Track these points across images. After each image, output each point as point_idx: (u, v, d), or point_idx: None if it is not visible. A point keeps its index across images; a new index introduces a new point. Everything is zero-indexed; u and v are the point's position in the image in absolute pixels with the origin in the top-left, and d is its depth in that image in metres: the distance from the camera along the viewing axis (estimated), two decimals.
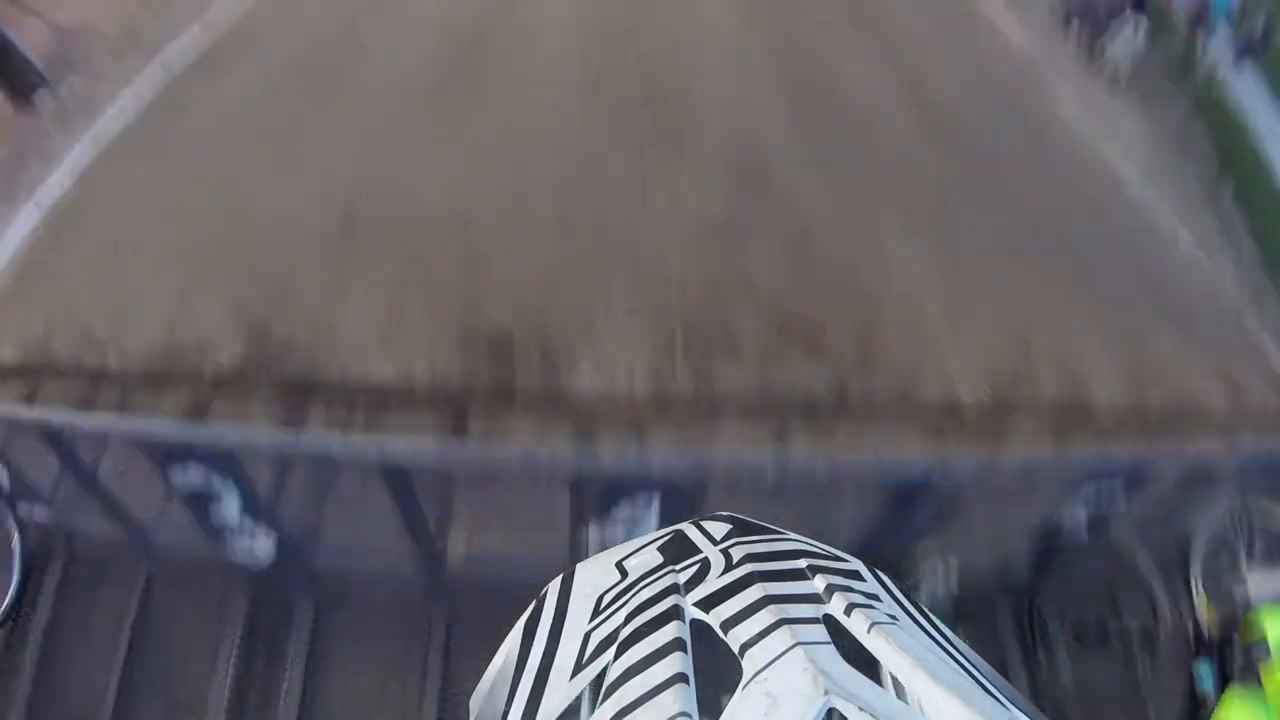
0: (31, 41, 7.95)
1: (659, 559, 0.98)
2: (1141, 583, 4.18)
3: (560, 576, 1.00)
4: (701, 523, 1.04)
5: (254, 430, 4.49)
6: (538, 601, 0.98)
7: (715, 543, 0.98)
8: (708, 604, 0.85)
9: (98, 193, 6.66)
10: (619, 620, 0.87)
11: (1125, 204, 7.85)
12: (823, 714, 0.66)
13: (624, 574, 0.97)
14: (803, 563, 0.94)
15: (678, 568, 0.94)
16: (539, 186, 6.04)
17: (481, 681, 0.91)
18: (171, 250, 5.88)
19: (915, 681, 0.72)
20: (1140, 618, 4.19)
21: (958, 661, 0.86)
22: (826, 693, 0.66)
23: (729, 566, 0.92)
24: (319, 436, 4.56)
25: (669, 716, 0.67)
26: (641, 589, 0.91)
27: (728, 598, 0.86)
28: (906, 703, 0.72)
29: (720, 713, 0.69)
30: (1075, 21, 10.26)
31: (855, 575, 0.96)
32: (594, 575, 0.99)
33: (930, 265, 5.96)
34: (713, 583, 0.89)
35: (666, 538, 1.03)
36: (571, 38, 7.58)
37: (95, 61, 7.97)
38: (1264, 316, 7.09)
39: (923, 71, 8.32)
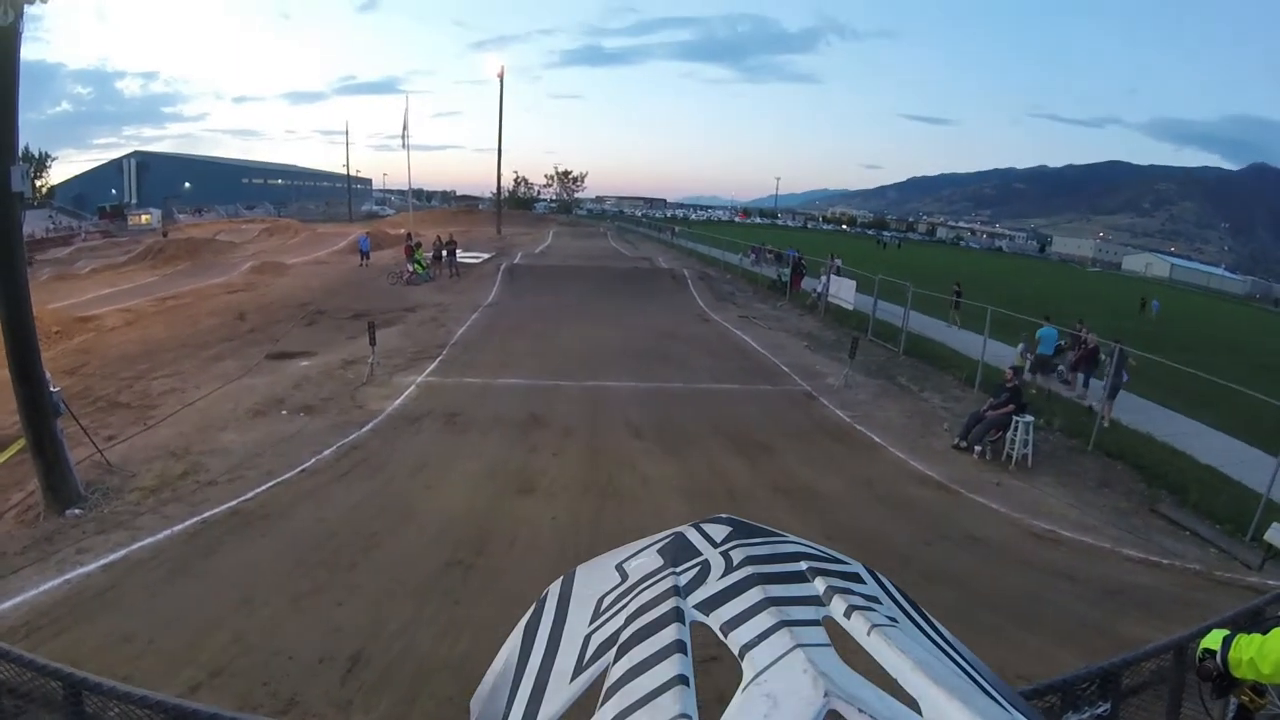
0: (79, 465, 9.04)
1: (659, 561, 0.98)
2: None
3: (560, 579, 1.00)
4: (702, 525, 1.05)
5: None
6: (538, 603, 0.99)
7: (715, 545, 0.99)
8: (708, 606, 0.86)
9: (122, 587, 7.14)
10: (619, 622, 0.87)
11: (1066, 548, 9.18)
12: (822, 715, 0.66)
13: (624, 576, 0.98)
14: (803, 565, 0.96)
15: (678, 570, 0.94)
16: None
17: (482, 683, 0.89)
18: (184, 650, 6.18)
19: (915, 683, 0.72)
20: None
21: (957, 663, 0.86)
22: (826, 694, 0.66)
23: (729, 569, 0.93)
24: None
25: (670, 718, 0.66)
26: (642, 591, 0.92)
27: (728, 600, 0.86)
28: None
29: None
30: (977, 447, 12.24)
31: (855, 578, 0.97)
32: (594, 577, 1.00)
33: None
34: (713, 585, 0.90)
35: (666, 540, 1.03)
36: (552, 534, 8.83)
37: (130, 499, 8.94)
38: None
39: (846, 518, 9.71)
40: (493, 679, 0.97)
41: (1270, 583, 8.47)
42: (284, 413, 12.74)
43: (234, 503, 9.14)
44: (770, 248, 41.79)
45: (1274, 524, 9.28)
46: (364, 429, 12.10)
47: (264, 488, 9.64)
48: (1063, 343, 17.68)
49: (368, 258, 33.35)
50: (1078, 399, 15.77)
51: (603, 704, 0.74)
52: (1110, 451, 12.58)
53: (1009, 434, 12.22)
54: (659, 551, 1.04)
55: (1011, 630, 7.17)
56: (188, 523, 8.56)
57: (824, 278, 26.63)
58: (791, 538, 1.10)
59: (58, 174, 74.77)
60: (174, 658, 6.08)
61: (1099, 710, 4.05)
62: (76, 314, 21.56)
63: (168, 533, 8.31)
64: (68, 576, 7.32)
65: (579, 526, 9.07)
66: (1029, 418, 12.27)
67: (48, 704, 3.94)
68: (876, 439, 12.99)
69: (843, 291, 24.90)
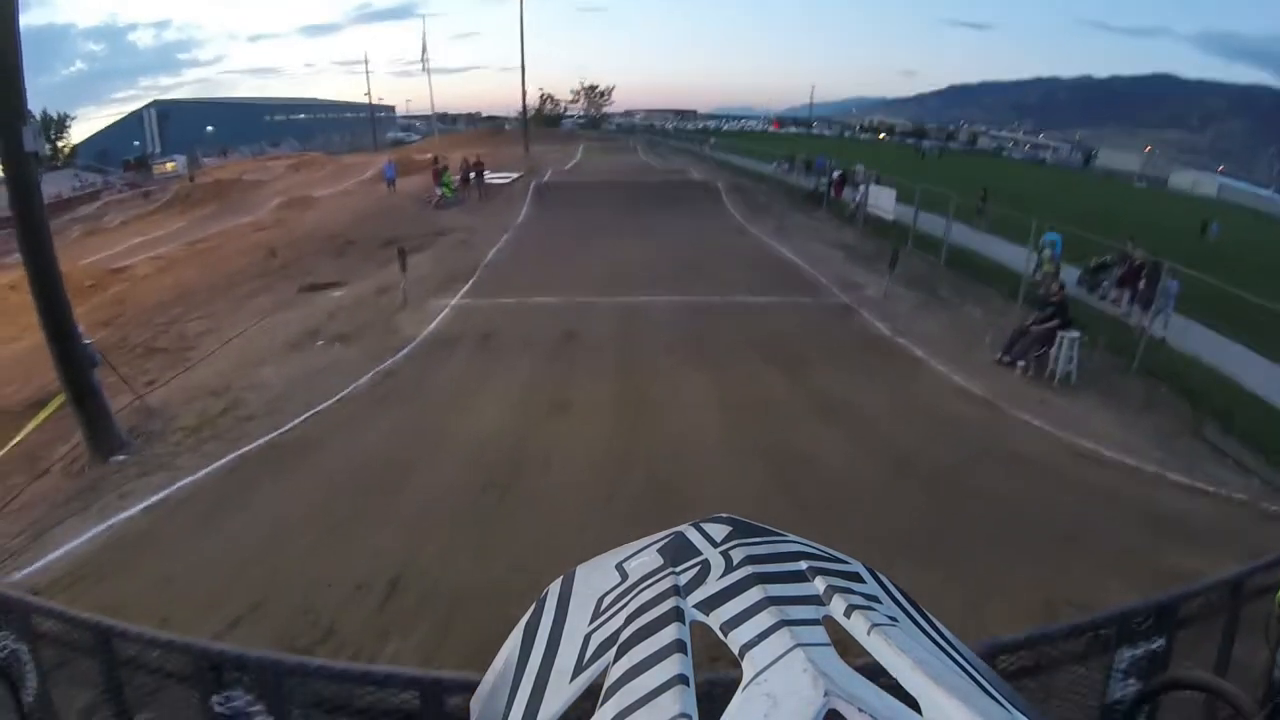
0: (121, 413, 9.12)
1: (659, 561, 0.98)
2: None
3: (560, 578, 1.00)
4: (701, 525, 1.05)
5: None
6: (538, 603, 0.98)
7: (715, 545, 0.99)
8: (708, 606, 0.85)
9: (163, 528, 7.22)
10: (619, 622, 0.87)
11: (1110, 470, 8.93)
12: (822, 715, 0.66)
13: (624, 576, 0.98)
14: (803, 564, 0.95)
15: (678, 569, 0.94)
16: (565, 559, 6.56)
17: (482, 683, 0.90)
18: (224, 586, 6.25)
19: (915, 683, 0.72)
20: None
21: (958, 663, 0.86)
22: (826, 694, 0.66)
23: (729, 568, 0.93)
24: None
25: (670, 717, 0.67)
26: (642, 591, 0.92)
27: (728, 599, 0.86)
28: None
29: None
30: (1020, 361, 11.97)
31: (855, 577, 0.97)
32: (594, 577, 1.00)
33: (941, 584, 6.23)
34: (713, 585, 0.90)
35: (666, 540, 1.03)
36: (588, 453, 8.78)
37: (172, 440, 9.01)
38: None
39: (887, 433, 9.56)
40: (493, 679, 0.92)
41: None
42: (319, 344, 12.76)
43: (272, 435, 9.19)
44: (801, 156, 40.57)
45: None
46: (399, 355, 12.07)
47: (301, 419, 9.68)
48: (1108, 258, 16.95)
49: (394, 185, 33.05)
50: (1123, 317, 15.10)
51: (603, 704, 0.73)
52: (1155, 373, 12.07)
53: (1053, 350, 11.80)
54: (659, 551, 1.02)
55: (1055, 554, 6.98)
56: (227, 459, 8.63)
57: (862, 187, 25.74)
58: (792, 537, 1.04)
59: (79, 132, 74.88)
60: (214, 594, 6.14)
61: (1154, 645, 3.92)
62: (109, 266, 21.80)
63: (207, 470, 8.39)
64: (110, 522, 7.42)
65: (615, 444, 8.99)
66: (1075, 333, 11.79)
67: (88, 652, 3.94)
68: (918, 352, 12.64)
69: (882, 201, 23.95)
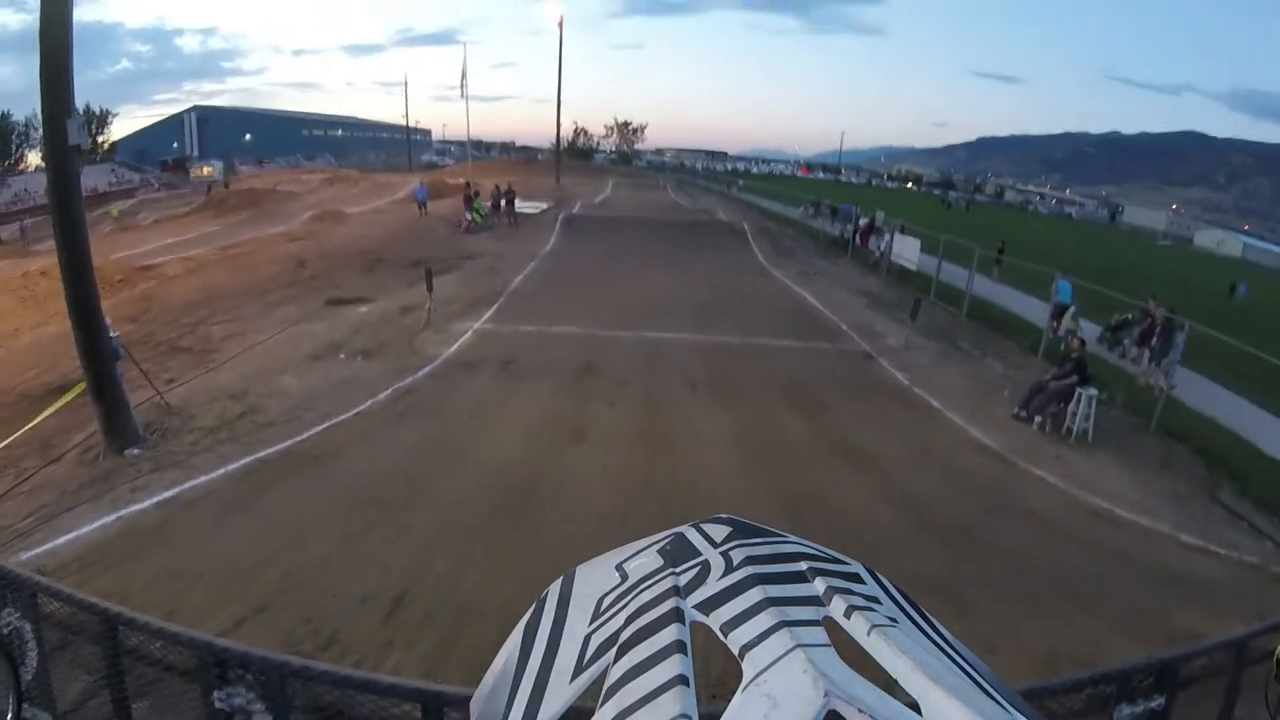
0: (139, 408, 9.17)
1: (659, 561, 0.98)
2: None
3: (560, 579, 1.00)
4: (701, 525, 1.04)
5: None
6: (538, 604, 0.98)
7: (715, 545, 0.99)
8: (708, 606, 0.85)
9: (174, 526, 7.22)
10: (619, 622, 0.87)
11: (1123, 529, 8.82)
12: (822, 715, 0.65)
13: (624, 576, 0.97)
14: (803, 565, 0.94)
15: (678, 570, 0.94)
16: None
17: (481, 683, 0.90)
18: (231, 586, 6.23)
19: (915, 684, 0.71)
20: None
21: (958, 664, 0.86)
22: (826, 694, 0.66)
23: (729, 569, 0.93)
24: None
25: (670, 718, 0.66)
26: (642, 591, 0.92)
27: (728, 600, 0.86)
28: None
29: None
30: (1037, 416, 11.81)
31: (855, 578, 0.96)
32: (594, 578, 1.00)
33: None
34: (713, 585, 0.90)
35: (666, 540, 1.03)
36: (602, 483, 8.74)
37: (188, 439, 9.04)
38: None
39: (903, 483, 9.43)
40: (492, 679, 0.92)
41: None
42: (342, 357, 12.81)
43: (289, 443, 9.21)
44: (827, 201, 40.80)
45: None
46: (419, 374, 12.10)
47: (319, 429, 9.70)
48: (1129, 316, 16.87)
49: (425, 207, 33.40)
50: (1142, 375, 14.99)
51: (603, 704, 0.72)
52: (1173, 432, 11.95)
53: (1071, 406, 11.72)
54: (659, 552, 1.01)
55: (1065, 609, 6.90)
56: (242, 462, 8.65)
57: (887, 236, 25.79)
58: (792, 538, 1.01)
59: (119, 130, 76.35)
60: (221, 593, 6.12)
61: (1153, 704, 3.87)
62: (139, 263, 22.04)
63: (222, 471, 8.40)
64: (121, 513, 7.44)
65: (630, 476, 8.94)
66: (1093, 391, 11.71)
67: (91, 637, 3.93)
68: (935, 403, 12.56)
69: (906, 250, 23.97)
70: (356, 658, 5.56)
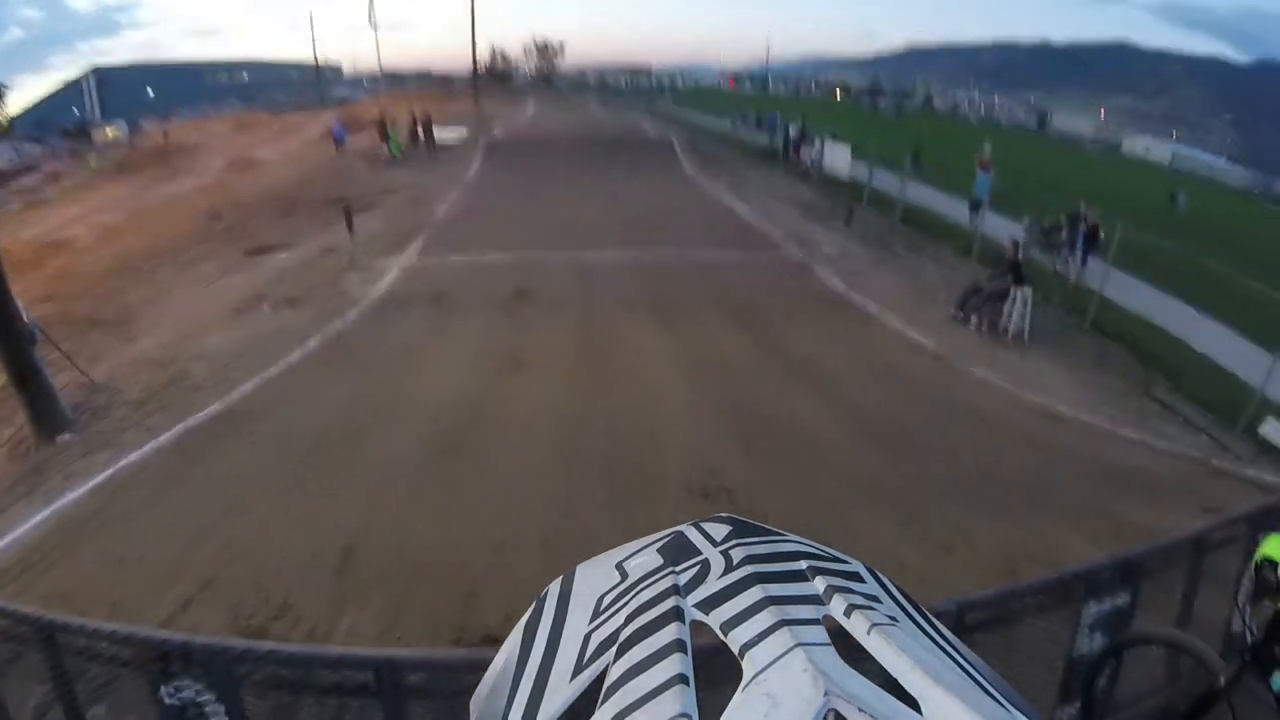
0: (65, 390, 8.82)
1: (659, 560, 0.95)
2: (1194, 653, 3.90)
3: (560, 578, 0.98)
4: (702, 524, 1.00)
5: None
6: (538, 603, 0.96)
7: (715, 544, 0.96)
8: (708, 605, 0.84)
9: (110, 510, 7.00)
10: (619, 621, 0.85)
11: (1064, 426, 9.10)
12: (822, 715, 0.64)
13: (624, 575, 0.95)
14: (803, 564, 0.92)
15: (678, 569, 0.92)
16: (525, 524, 6.54)
17: (481, 683, 0.88)
18: (175, 565, 6.08)
19: (915, 682, 0.70)
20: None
21: (958, 663, 0.83)
22: (826, 693, 0.65)
23: (729, 568, 0.91)
24: None
25: (669, 717, 0.65)
26: (641, 590, 0.90)
27: (728, 599, 0.84)
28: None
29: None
30: (974, 317, 12.13)
31: (855, 577, 0.94)
32: (594, 576, 0.98)
33: (901, 538, 6.43)
34: (713, 584, 0.88)
35: (666, 539, 1.00)
36: (546, 412, 8.71)
37: (118, 415, 8.73)
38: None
39: (845, 389, 9.63)
40: (492, 679, 0.86)
41: (1267, 478, 8.34)
42: (266, 309, 12.44)
43: (218, 406, 8.95)
44: (753, 112, 40.34)
45: (1270, 419, 9.19)
46: (348, 317, 11.84)
47: (248, 387, 9.45)
48: (1061, 219, 16.78)
49: (342, 144, 32.19)
50: (1075, 277, 15.20)
51: (603, 703, 0.70)
52: (1106, 331, 12.25)
53: (1006, 306, 11.90)
54: (659, 550, 0.96)
55: (1015, 508, 7.07)
56: (173, 432, 8.40)
57: (818, 144, 25.58)
58: (792, 537, 0.96)
59: (16, 102, 71.94)
60: (164, 574, 5.97)
61: (1119, 600, 3.98)
62: (50, 239, 20.98)
63: (153, 445, 8.15)
64: (55, 506, 7.17)
65: (573, 404, 8.90)
66: (1028, 290, 11.90)
67: (36, 646, 3.79)
68: (873, 308, 12.70)
69: (837, 159, 23.87)
70: (310, 624, 5.50)
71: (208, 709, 3.55)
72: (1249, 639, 3.56)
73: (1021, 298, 11.79)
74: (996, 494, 7.27)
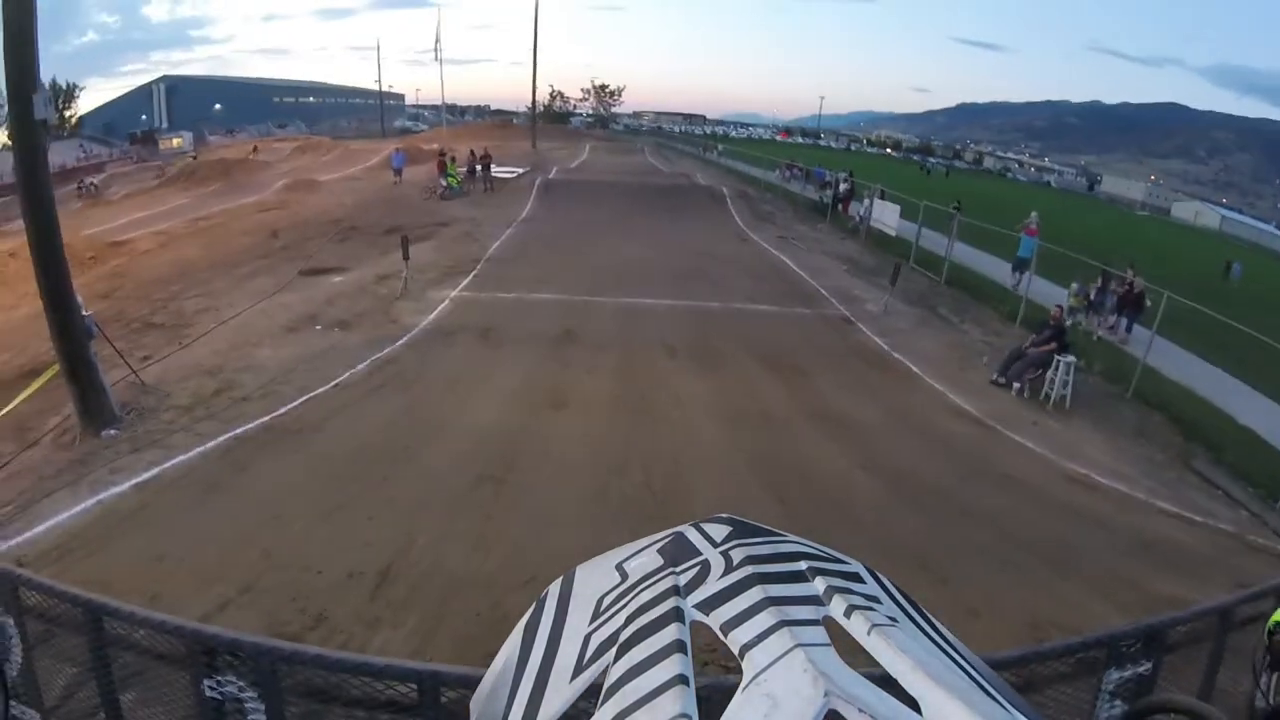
0: (115, 387, 9.06)
1: (659, 561, 0.99)
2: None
3: (560, 578, 1.02)
4: (701, 525, 1.06)
5: None
6: (538, 603, 1.00)
7: (715, 545, 1.00)
8: (708, 606, 0.87)
9: (154, 507, 7.16)
10: (619, 622, 0.88)
11: (1100, 495, 8.92)
12: (822, 715, 0.66)
13: (624, 576, 0.99)
14: (803, 565, 0.96)
15: (678, 570, 0.95)
16: (556, 559, 6.57)
17: (482, 683, 0.91)
18: (215, 566, 6.20)
19: (915, 683, 0.72)
20: None
21: (958, 663, 0.87)
22: (826, 694, 0.67)
23: (729, 569, 0.94)
24: None
25: (669, 717, 0.67)
26: (641, 591, 0.93)
27: (728, 599, 0.87)
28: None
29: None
30: (1016, 383, 11.95)
31: (855, 577, 0.98)
32: (594, 577, 1.01)
33: (928, 602, 6.34)
34: (713, 585, 0.91)
35: (666, 540, 1.05)
36: (584, 452, 8.74)
37: (165, 417, 8.94)
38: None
39: (882, 449, 9.52)
40: (492, 679, 0.95)
41: None
42: (318, 328, 12.69)
43: (267, 419, 9.12)
44: (799, 164, 40.57)
45: None
46: (397, 343, 12.01)
47: (297, 403, 9.62)
48: (1100, 283, 16.84)
49: (400, 174, 32.94)
50: (1119, 343, 15.14)
51: (603, 703, 0.74)
52: (1149, 401, 12.08)
53: (1049, 373, 11.81)
54: (659, 551, 1.04)
55: (1044, 575, 7.00)
56: (220, 439, 8.56)
57: (867, 202, 25.69)
58: (792, 537, 1.07)
59: (86, 103, 74.24)
60: (204, 575, 6.08)
61: (1141, 668, 3.96)
62: (110, 239, 21.63)
63: (200, 450, 8.32)
64: (100, 497, 7.34)
65: (611, 444, 8.94)
66: (1071, 358, 11.81)
67: (75, 628, 3.88)
68: (914, 368, 12.64)
69: (886, 216, 23.94)
70: (344, 637, 5.56)
71: (248, 705, 3.58)
72: (1260, 703, 3.54)
73: (1065, 364, 11.70)
74: (1028, 561, 7.19)
